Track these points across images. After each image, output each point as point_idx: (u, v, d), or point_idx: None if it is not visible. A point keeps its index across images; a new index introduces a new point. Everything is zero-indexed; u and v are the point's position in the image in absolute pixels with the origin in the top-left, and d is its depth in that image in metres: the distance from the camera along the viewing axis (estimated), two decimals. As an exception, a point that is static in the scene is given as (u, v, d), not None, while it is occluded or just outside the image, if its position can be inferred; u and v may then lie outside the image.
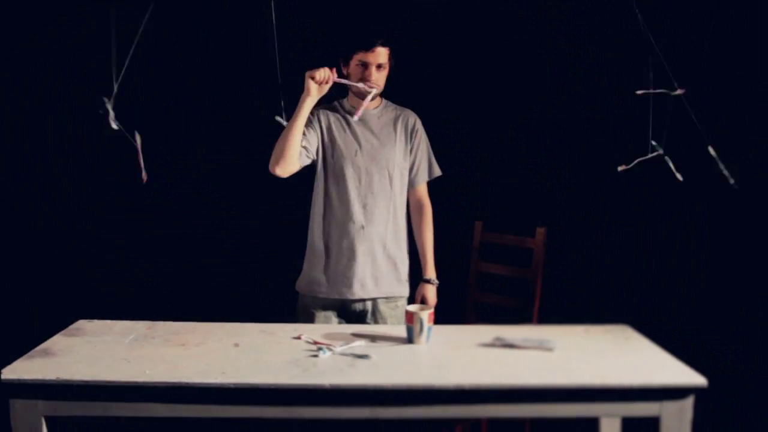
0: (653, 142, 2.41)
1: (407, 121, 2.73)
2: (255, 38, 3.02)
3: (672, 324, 3.25)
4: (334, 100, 2.73)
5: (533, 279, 2.84)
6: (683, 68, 3.16)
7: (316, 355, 2.07)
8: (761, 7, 3.11)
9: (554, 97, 3.37)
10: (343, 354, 2.09)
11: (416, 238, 2.81)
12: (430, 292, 2.77)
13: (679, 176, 2.42)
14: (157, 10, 2.29)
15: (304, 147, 2.58)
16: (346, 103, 2.72)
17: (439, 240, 2.95)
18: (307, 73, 2.47)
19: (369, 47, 2.56)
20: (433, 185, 2.84)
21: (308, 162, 2.63)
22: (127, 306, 2.96)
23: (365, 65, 2.57)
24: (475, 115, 3.44)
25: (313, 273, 2.69)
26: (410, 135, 2.73)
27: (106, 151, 3.39)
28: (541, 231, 2.86)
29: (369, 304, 2.67)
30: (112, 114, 2.20)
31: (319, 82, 2.46)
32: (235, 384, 1.87)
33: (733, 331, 3.26)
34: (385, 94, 2.72)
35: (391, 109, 2.74)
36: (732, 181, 2.40)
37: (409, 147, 2.74)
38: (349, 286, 2.64)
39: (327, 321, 2.65)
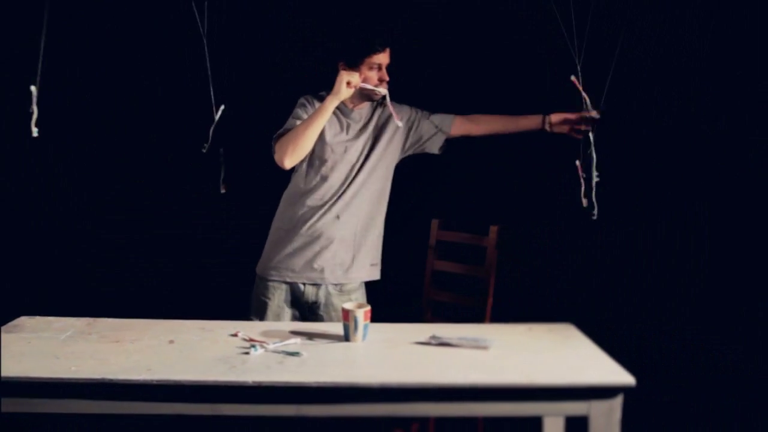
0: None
1: (414, 115, 2.78)
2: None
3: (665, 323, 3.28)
4: (322, 90, 2.73)
5: (486, 277, 2.82)
6: (683, 68, 3.20)
7: (247, 353, 2.07)
8: (761, 7, 3.10)
9: (514, 97, 3.35)
10: (275, 351, 2.09)
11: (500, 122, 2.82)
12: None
13: (584, 201, 2.42)
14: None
15: None
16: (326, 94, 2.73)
17: (395, 238, 2.95)
18: (344, 76, 2.52)
19: (382, 48, 2.62)
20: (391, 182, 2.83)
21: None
22: (128, 306, 2.97)
23: (379, 67, 2.62)
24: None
25: (273, 256, 2.72)
26: (405, 129, 2.77)
27: (106, 151, 3.42)
28: (494, 229, 2.84)
29: (323, 296, 2.68)
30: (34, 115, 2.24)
31: (354, 86, 2.53)
32: (158, 380, 1.86)
33: (733, 331, 3.24)
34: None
35: (380, 107, 2.78)
36: (595, 115, 2.45)
37: (401, 144, 2.78)
38: (311, 270, 2.67)
39: (280, 309, 2.67)
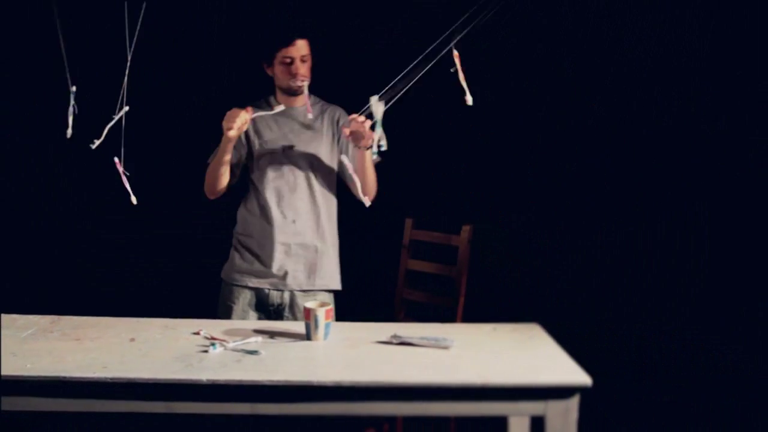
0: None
1: (333, 115, 2.74)
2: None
3: (672, 324, 3.26)
4: (261, 97, 2.75)
5: (458, 277, 2.81)
6: (683, 68, 3.18)
7: (206, 351, 2.06)
8: (761, 7, 3.10)
9: (487, 96, 3.34)
10: (234, 350, 2.08)
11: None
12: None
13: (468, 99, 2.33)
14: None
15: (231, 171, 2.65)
16: (273, 99, 2.73)
17: (369, 237, 2.95)
18: (224, 125, 2.48)
19: (289, 42, 2.58)
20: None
21: (234, 181, 2.70)
22: (128, 305, 2.98)
23: (291, 61, 2.59)
24: (411, 112, 3.41)
25: (238, 261, 2.71)
26: (337, 128, 2.72)
27: (105, 151, 3.40)
28: (466, 229, 2.83)
29: (287, 297, 2.67)
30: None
31: (238, 128, 2.47)
32: (112, 378, 1.86)
33: (733, 331, 3.24)
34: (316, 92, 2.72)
35: (318, 105, 2.74)
36: (468, 101, 2.32)
37: (336, 139, 2.73)
38: (273, 276, 2.66)
39: (245, 314, 2.65)
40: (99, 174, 3.39)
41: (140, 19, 2.24)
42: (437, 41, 2.26)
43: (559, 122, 3.43)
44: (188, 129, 3.41)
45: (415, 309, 2.97)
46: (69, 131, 2.16)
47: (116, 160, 2.30)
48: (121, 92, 2.26)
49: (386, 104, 2.23)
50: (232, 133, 2.47)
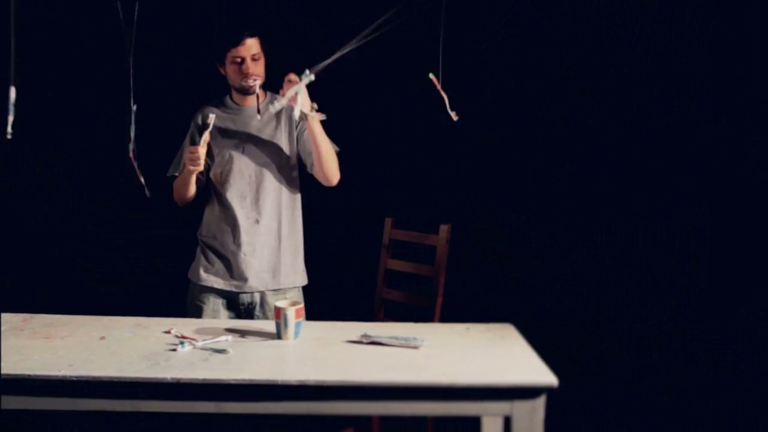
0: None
1: (291, 111, 2.67)
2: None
3: (673, 324, 3.26)
4: (216, 97, 2.74)
5: (436, 276, 2.81)
6: (684, 68, 3.18)
7: (175, 350, 2.06)
8: (761, 7, 3.10)
9: (467, 97, 3.34)
10: (203, 348, 2.08)
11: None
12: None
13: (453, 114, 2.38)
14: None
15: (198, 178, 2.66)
16: (229, 100, 2.72)
17: (349, 236, 2.94)
18: (188, 164, 2.51)
19: (238, 41, 2.57)
20: (346, 180, 2.80)
21: (202, 185, 2.71)
22: (128, 305, 2.97)
23: (241, 60, 2.57)
24: (390, 111, 3.42)
25: (204, 263, 2.70)
26: (295, 124, 2.69)
27: (105, 151, 3.41)
28: (444, 228, 2.82)
29: (257, 297, 2.66)
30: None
31: (197, 159, 2.49)
32: (77, 376, 1.86)
33: (733, 331, 3.24)
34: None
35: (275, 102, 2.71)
36: (454, 116, 2.36)
37: (294, 135, 2.71)
38: (239, 278, 2.65)
39: (215, 314, 2.65)
40: (99, 174, 3.45)
41: (134, 18, 2.23)
42: (381, 19, 2.28)
43: (549, 122, 3.42)
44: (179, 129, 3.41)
45: (395, 308, 2.96)
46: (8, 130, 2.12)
47: (131, 155, 2.30)
48: (131, 90, 2.25)
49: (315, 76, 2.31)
50: (193, 165, 2.51)
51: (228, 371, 1.90)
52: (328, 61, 2.30)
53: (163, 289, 3.42)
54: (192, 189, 2.65)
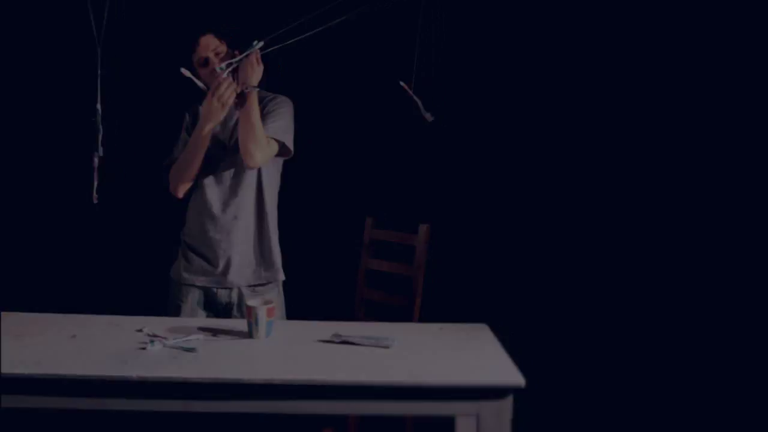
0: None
1: (266, 105, 2.66)
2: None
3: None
4: (198, 101, 2.71)
5: (416, 276, 2.80)
6: (683, 68, 3.17)
7: (144, 348, 2.06)
8: (761, 7, 3.10)
9: (448, 97, 3.34)
10: (173, 347, 2.08)
11: None
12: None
13: (428, 116, 2.40)
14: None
15: None
16: None
17: (330, 235, 2.93)
18: (215, 98, 2.42)
19: (193, 43, 2.57)
20: (327, 180, 2.80)
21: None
22: (128, 305, 2.97)
23: (205, 60, 2.57)
24: (370, 110, 3.41)
25: (184, 262, 2.70)
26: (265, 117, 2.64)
27: (81, 149, 3.41)
28: (424, 228, 2.82)
29: (236, 295, 2.66)
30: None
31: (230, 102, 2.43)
32: (42, 374, 1.86)
33: (733, 331, 3.23)
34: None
35: (259, 99, 2.68)
36: (429, 118, 2.39)
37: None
38: (218, 274, 2.65)
39: (194, 312, 2.65)
40: (68, 170, 3.45)
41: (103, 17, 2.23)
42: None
43: (528, 122, 3.42)
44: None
45: (376, 308, 2.96)
46: None
47: (95, 156, 2.27)
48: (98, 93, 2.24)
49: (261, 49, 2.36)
50: (221, 111, 2.45)
51: (194, 370, 1.90)
52: (281, 31, 2.30)
53: (142, 288, 3.43)
54: (200, 157, 2.56)
